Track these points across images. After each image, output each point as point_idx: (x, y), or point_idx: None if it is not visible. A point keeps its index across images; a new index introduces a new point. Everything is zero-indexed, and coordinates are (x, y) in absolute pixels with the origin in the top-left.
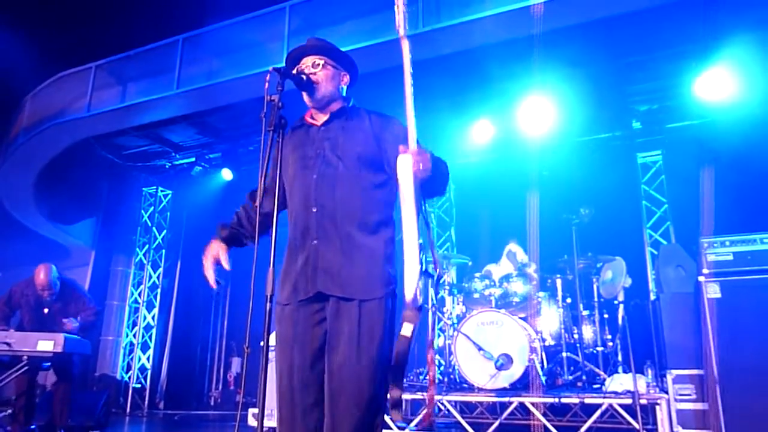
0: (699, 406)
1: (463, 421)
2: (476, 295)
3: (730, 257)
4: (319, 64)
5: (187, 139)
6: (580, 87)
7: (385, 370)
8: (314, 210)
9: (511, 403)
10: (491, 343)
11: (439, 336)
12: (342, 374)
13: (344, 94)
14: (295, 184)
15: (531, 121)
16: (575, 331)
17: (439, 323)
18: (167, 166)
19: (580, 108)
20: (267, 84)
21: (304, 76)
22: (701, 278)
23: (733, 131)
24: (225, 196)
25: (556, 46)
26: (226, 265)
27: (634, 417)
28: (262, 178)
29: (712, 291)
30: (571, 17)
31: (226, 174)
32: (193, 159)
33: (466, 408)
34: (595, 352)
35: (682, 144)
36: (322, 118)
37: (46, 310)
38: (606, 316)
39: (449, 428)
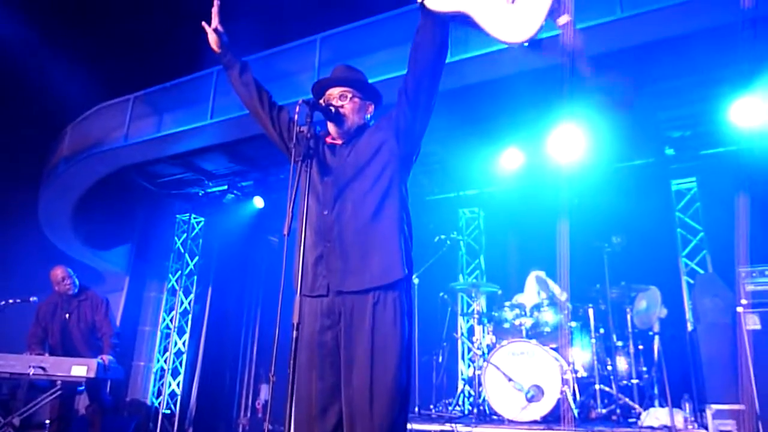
0: None
1: None
2: (506, 325)
3: None
4: (346, 96)
5: (220, 167)
6: (611, 114)
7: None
8: (325, 213)
9: None
10: (522, 374)
11: (468, 366)
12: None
13: (369, 122)
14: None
15: (561, 149)
16: (609, 363)
17: (468, 353)
18: (200, 194)
19: (611, 135)
20: (296, 115)
21: (332, 108)
22: (739, 309)
23: None
24: (256, 224)
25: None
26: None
27: None
28: (290, 207)
29: (752, 322)
30: (601, 45)
31: (258, 202)
32: (226, 187)
33: None
34: (629, 384)
35: (718, 170)
36: (343, 139)
37: (67, 315)
38: (641, 347)
39: None
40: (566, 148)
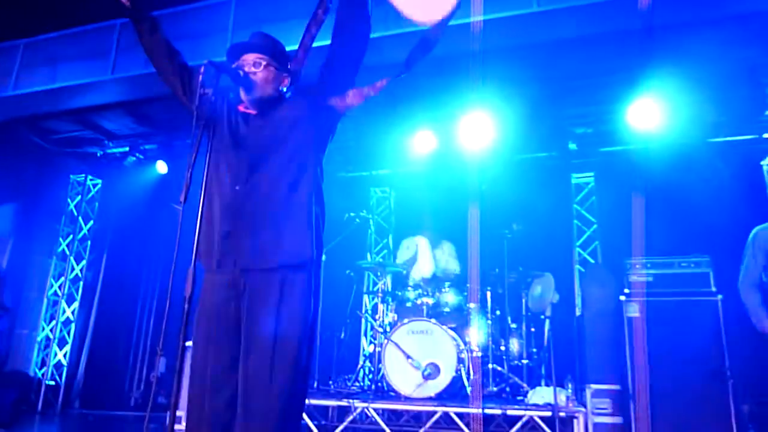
0: (615, 419)
1: (387, 429)
2: (409, 304)
3: (651, 279)
4: (260, 64)
5: (122, 128)
6: (519, 106)
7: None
8: (237, 188)
9: (435, 412)
10: (420, 352)
11: (370, 343)
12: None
13: (284, 94)
14: (221, 166)
15: (471, 136)
16: (503, 344)
17: (371, 331)
18: (99, 155)
19: (519, 126)
20: (201, 76)
21: (241, 72)
22: (622, 297)
23: (660, 158)
24: (158, 190)
25: (496, 65)
26: None
27: (554, 429)
28: (189, 174)
29: (632, 310)
30: (510, 38)
31: (161, 167)
32: (127, 149)
33: (393, 416)
34: (520, 364)
35: (614, 167)
36: (256, 109)
37: None
38: (533, 330)
39: None
40: (476, 135)
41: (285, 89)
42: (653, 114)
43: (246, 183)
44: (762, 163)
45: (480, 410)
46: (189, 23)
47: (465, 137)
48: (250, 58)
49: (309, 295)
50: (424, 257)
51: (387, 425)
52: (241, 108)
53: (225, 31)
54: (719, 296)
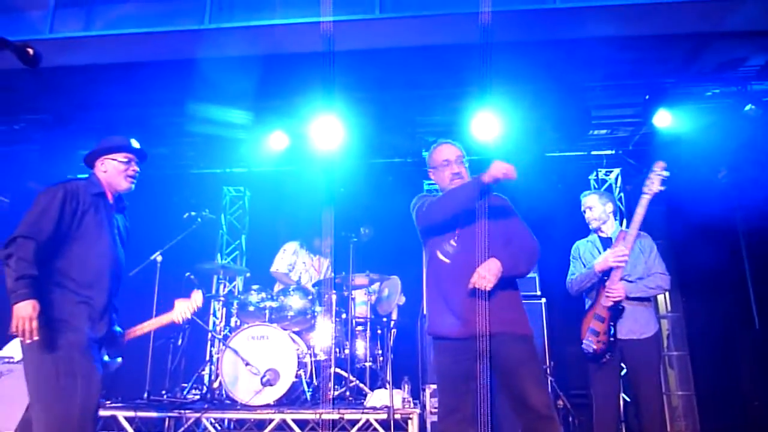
0: None
1: None
2: (251, 308)
3: None
4: None
5: None
6: (372, 111)
7: None
8: None
9: (272, 420)
10: (260, 357)
11: (210, 350)
12: None
13: None
14: None
15: (323, 138)
16: (347, 347)
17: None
18: None
19: (371, 131)
20: None
21: None
22: None
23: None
24: None
25: (347, 68)
26: None
27: (389, 431)
28: None
29: None
30: (361, 41)
31: None
32: None
33: (237, 424)
34: (364, 367)
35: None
36: None
37: None
38: (379, 332)
39: None
40: (327, 137)
41: None
42: (493, 127)
43: None
44: (590, 177)
45: (318, 415)
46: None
47: (318, 139)
48: None
49: None
50: (308, 263)
51: None
52: None
53: (45, 7)
54: (543, 299)
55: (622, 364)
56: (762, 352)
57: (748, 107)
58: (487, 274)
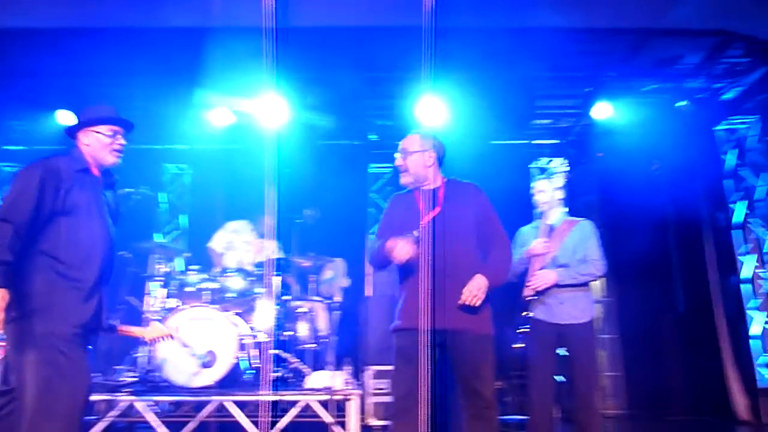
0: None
1: (154, 422)
2: (190, 289)
3: None
4: None
5: None
6: (322, 93)
7: None
8: None
9: (209, 402)
10: (199, 339)
11: None
12: None
13: None
14: None
15: (270, 118)
16: (290, 328)
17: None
18: None
19: (320, 112)
20: None
21: None
22: None
23: (450, 157)
24: None
25: (295, 45)
26: None
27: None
28: None
29: None
30: (312, 18)
31: None
32: None
33: (174, 408)
34: (306, 349)
35: None
36: None
37: None
38: (322, 314)
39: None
40: (274, 117)
41: None
42: (440, 113)
43: None
44: (530, 166)
45: (256, 397)
46: None
47: (264, 117)
48: None
49: None
50: (250, 244)
51: (168, 415)
52: None
53: None
54: None
55: (562, 349)
56: (685, 333)
57: (681, 103)
58: (478, 293)
